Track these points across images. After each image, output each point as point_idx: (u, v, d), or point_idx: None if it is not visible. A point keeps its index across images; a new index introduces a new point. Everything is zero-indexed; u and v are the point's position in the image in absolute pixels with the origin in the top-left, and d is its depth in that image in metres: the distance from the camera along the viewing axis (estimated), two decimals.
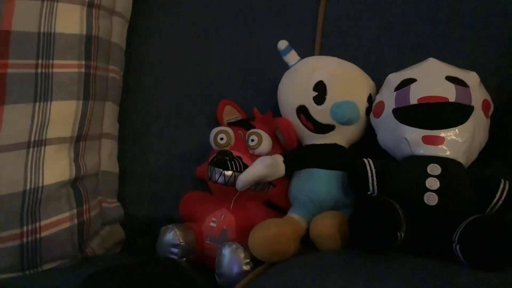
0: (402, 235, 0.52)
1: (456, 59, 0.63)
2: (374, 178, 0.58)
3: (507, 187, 0.55)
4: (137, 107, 0.82)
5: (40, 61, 0.65)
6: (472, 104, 0.58)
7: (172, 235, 0.62)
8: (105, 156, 0.74)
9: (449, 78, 0.59)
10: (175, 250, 0.61)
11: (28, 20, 0.65)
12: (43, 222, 0.61)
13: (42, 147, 0.62)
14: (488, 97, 0.61)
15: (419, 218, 0.54)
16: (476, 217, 0.52)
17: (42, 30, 0.65)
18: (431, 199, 0.54)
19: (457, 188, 0.54)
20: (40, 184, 0.61)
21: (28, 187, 0.60)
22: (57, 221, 0.62)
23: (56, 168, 0.63)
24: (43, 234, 0.60)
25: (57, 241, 0.61)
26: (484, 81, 0.61)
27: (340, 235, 0.58)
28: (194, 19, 0.84)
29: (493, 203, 0.54)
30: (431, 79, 0.60)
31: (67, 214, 0.63)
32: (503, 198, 0.54)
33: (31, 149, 0.62)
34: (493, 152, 0.61)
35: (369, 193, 0.59)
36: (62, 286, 0.54)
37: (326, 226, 0.59)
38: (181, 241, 0.61)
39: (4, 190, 0.59)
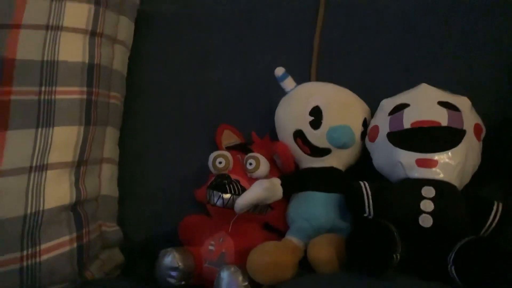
0: (398, 256, 0.52)
1: (448, 81, 0.64)
2: (370, 200, 0.59)
3: (500, 209, 0.55)
4: (137, 130, 0.83)
5: (43, 88, 0.65)
6: (464, 128, 0.59)
7: (171, 259, 0.62)
8: (105, 180, 0.74)
9: (441, 103, 0.60)
10: (174, 273, 0.61)
11: (32, 48, 0.66)
12: (43, 246, 0.61)
13: (44, 172, 0.63)
14: (480, 121, 0.62)
15: (414, 240, 0.54)
16: (470, 238, 0.52)
17: (45, 58, 0.66)
18: (426, 221, 0.54)
19: (452, 210, 0.55)
20: (41, 208, 0.61)
21: (29, 211, 0.60)
22: (57, 245, 0.62)
23: (57, 192, 0.64)
24: (43, 257, 0.60)
25: (57, 264, 0.61)
26: (475, 104, 0.62)
27: (337, 258, 0.58)
28: (193, 44, 0.85)
29: (487, 225, 0.55)
30: (424, 104, 0.61)
31: (67, 238, 0.63)
32: (496, 220, 0.55)
33: (32, 174, 0.62)
34: (486, 175, 0.61)
35: (365, 215, 0.59)
36: None
37: (324, 249, 0.59)
38: (180, 264, 0.61)
39: (5, 214, 0.60)
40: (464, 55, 0.72)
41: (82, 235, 0.65)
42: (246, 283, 0.57)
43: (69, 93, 0.68)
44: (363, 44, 0.78)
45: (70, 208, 0.65)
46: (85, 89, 0.69)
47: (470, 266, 0.50)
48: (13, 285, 0.58)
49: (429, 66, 0.74)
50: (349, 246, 0.55)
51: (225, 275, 0.58)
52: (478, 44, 0.72)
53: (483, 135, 0.62)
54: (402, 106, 0.62)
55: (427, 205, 0.55)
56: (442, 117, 0.59)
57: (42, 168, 0.63)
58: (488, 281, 0.49)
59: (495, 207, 0.56)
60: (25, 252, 0.59)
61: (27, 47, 0.66)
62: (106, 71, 0.74)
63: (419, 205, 0.55)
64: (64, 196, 0.64)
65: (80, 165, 0.68)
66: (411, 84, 0.65)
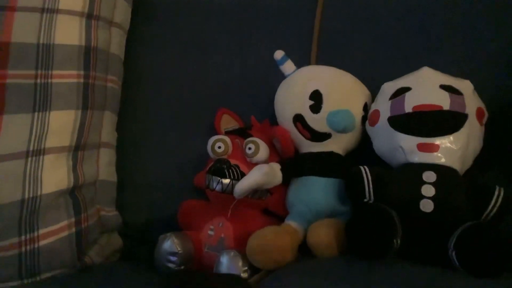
0: (399, 242, 0.52)
1: (448, 69, 0.64)
2: (370, 185, 0.59)
3: (501, 194, 0.55)
4: (136, 117, 0.83)
5: (39, 72, 0.65)
6: (466, 112, 0.58)
7: (170, 243, 0.62)
8: (104, 165, 0.74)
9: (443, 87, 0.60)
10: (173, 258, 0.61)
11: (28, 31, 0.65)
12: (41, 231, 0.60)
13: (41, 157, 0.62)
14: (482, 105, 0.61)
15: (415, 225, 0.54)
16: (471, 223, 0.52)
17: (41, 41, 0.65)
18: (426, 206, 0.54)
19: (452, 195, 0.55)
20: (39, 193, 0.61)
21: (26, 196, 0.60)
22: (55, 230, 0.62)
23: (54, 177, 0.63)
24: (42, 243, 0.60)
25: (56, 250, 0.61)
26: (477, 89, 0.61)
27: (337, 243, 0.58)
28: (192, 30, 0.85)
29: (488, 210, 0.55)
30: (426, 87, 0.61)
31: (65, 223, 0.63)
32: (497, 205, 0.55)
33: (29, 159, 0.62)
34: (487, 159, 0.61)
35: (365, 200, 0.59)
36: None
37: (323, 234, 0.59)
38: (179, 249, 0.61)
39: (2, 200, 0.59)
40: (466, 40, 0.71)
41: (80, 220, 0.65)
42: (246, 268, 0.57)
43: (66, 76, 0.67)
44: (364, 30, 0.77)
45: (68, 193, 0.65)
46: (82, 72, 0.68)
47: (471, 252, 0.50)
48: (12, 270, 0.58)
49: (430, 51, 0.73)
50: (349, 231, 0.55)
51: (224, 259, 0.58)
52: (480, 29, 0.71)
53: (485, 119, 0.61)
54: (404, 90, 0.61)
55: (428, 190, 0.54)
56: (444, 101, 0.58)
57: (39, 152, 0.63)
58: (489, 266, 0.49)
59: (496, 193, 0.55)
60: (23, 238, 0.59)
61: (22, 30, 0.65)
62: (103, 54, 0.73)
63: (420, 190, 0.55)
64: (62, 180, 0.64)
65: (78, 149, 0.67)
66: (412, 69, 0.64)
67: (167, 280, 0.25)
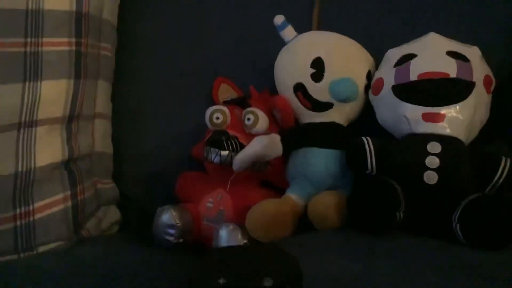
0: (401, 215, 0.51)
1: (456, 34, 0.62)
2: (373, 157, 0.57)
3: (508, 165, 0.54)
4: (131, 86, 0.81)
5: (28, 40, 0.63)
6: (474, 79, 0.57)
7: (168, 216, 0.61)
8: (99, 137, 0.72)
9: (450, 53, 0.58)
10: (171, 231, 0.61)
11: None
12: (36, 205, 0.60)
13: (33, 128, 0.61)
14: (490, 73, 0.60)
15: (418, 197, 0.53)
16: (476, 196, 0.51)
17: (30, 7, 0.63)
18: (430, 177, 0.53)
19: (457, 167, 0.54)
20: (32, 166, 0.60)
21: (20, 169, 0.59)
22: (50, 203, 0.61)
23: (48, 149, 0.62)
24: (37, 216, 0.60)
25: (52, 223, 0.60)
26: (485, 56, 0.60)
27: (338, 215, 0.57)
28: None
29: (493, 182, 0.54)
30: (432, 54, 0.59)
31: (61, 196, 0.62)
32: (504, 176, 0.54)
33: (22, 130, 0.60)
34: (494, 129, 0.60)
35: (367, 172, 0.58)
36: (58, 267, 0.54)
37: (324, 206, 0.58)
38: (177, 222, 0.61)
39: None
40: (475, 5, 0.69)
41: (76, 193, 0.64)
42: (245, 241, 0.56)
43: (57, 44, 0.65)
44: None
45: (63, 165, 0.64)
46: (73, 40, 0.66)
47: (475, 225, 0.49)
48: (7, 244, 0.58)
49: (437, 14, 0.71)
50: (351, 204, 0.55)
51: (224, 232, 0.57)
52: None
53: (492, 87, 0.60)
54: (409, 57, 0.60)
55: (432, 161, 0.53)
56: (450, 68, 0.57)
57: (32, 124, 0.61)
58: (493, 239, 0.48)
59: (502, 163, 0.54)
60: (18, 211, 0.59)
61: None
62: (96, 21, 0.70)
63: (424, 162, 0.53)
64: (56, 153, 0.63)
65: (72, 121, 0.66)
66: (418, 35, 0.63)
67: (209, 260, 0.24)
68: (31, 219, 0.59)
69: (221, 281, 0.23)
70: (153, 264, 0.55)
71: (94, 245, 0.63)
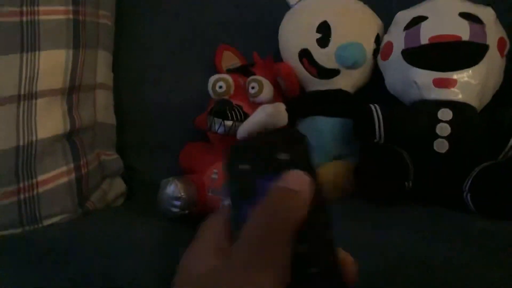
0: (410, 184, 0.50)
1: None
2: (381, 125, 0.56)
3: None
4: (132, 55, 0.79)
5: (24, 8, 0.61)
6: (487, 42, 0.55)
7: (173, 188, 0.60)
8: (101, 107, 0.71)
9: (463, 15, 0.56)
10: (176, 202, 0.60)
11: None
12: (39, 178, 0.59)
13: (33, 100, 0.60)
14: (504, 35, 0.58)
15: (428, 166, 0.52)
16: (487, 164, 0.50)
17: None
18: (441, 146, 0.52)
19: (469, 134, 0.52)
20: (34, 139, 0.59)
21: (21, 143, 0.58)
22: (54, 176, 0.60)
23: (49, 121, 0.61)
24: (41, 189, 0.59)
25: (56, 196, 0.60)
26: (500, 17, 0.58)
27: (346, 184, 0.57)
28: None
29: (506, 149, 0.52)
30: (444, 16, 0.57)
31: (64, 169, 0.62)
32: None
33: (21, 103, 0.59)
34: (508, 94, 0.58)
35: (375, 140, 0.57)
36: (63, 240, 0.54)
37: (331, 174, 0.58)
38: (182, 193, 0.60)
39: None
40: None
41: (80, 165, 0.64)
42: None
43: (54, 13, 0.63)
44: None
45: (65, 137, 0.63)
46: (70, 8, 0.64)
47: (486, 194, 0.48)
48: (12, 218, 0.58)
49: None
50: (359, 173, 0.54)
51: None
52: None
53: (507, 50, 0.58)
54: (419, 19, 0.58)
55: (443, 129, 0.52)
56: (463, 31, 0.55)
57: (31, 96, 0.60)
58: (506, 208, 0.47)
59: None
60: (21, 185, 0.58)
61: None
62: None
63: (434, 129, 0.52)
64: (58, 125, 0.62)
65: (72, 92, 0.65)
66: None
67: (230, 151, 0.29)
68: (35, 192, 0.59)
69: (244, 167, 0.27)
70: (158, 236, 0.55)
71: (99, 218, 0.63)
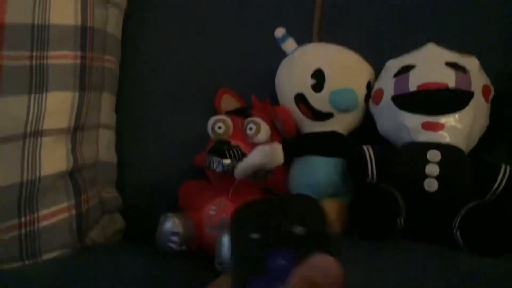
0: (402, 222, 0.51)
1: (455, 44, 0.62)
2: (374, 164, 0.58)
3: (507, 173, 0.54)
4: (135, 96, 0.81)
5: (34, 53, 0.63)
6: (472, 89, 0.57)
7: (171, 224, 0.61)
8: (103, 146, 0.73)
9: (449, 64, 0.58)
10: (174, 238, 0.61)
11: (22, 12, 0.63)
12: (41, 213, 0.60)
13: (39, 138, 0.62)
14: (488, 82, 0.60)
15: (419, 205, 0.54)
16: (476, 203, 0.52)
17: (36, 22, 0.64)
18: (431, 185, 0.53)
19: (457, 174, 0.54)
20: (37, 175, 0.60)
21: (25, 179, 0.60)
22: (55, 212, 0.61)
23: (53, 158, 0.62)
24: (42, 224, 0.60)
25: (56, 231, 0.61)
26: (484, 65, 0.60)
27: (339, 223, 0.57)
28: (191, 7, 0.83)
29: (493, 189, 0.54)
30: (431, 65, 0.59)
31: (65, 205, 0.62)
32: (503, 184, 0.54)
33: (27, 140, 0.61)
34: (493, 137, 0.60)
35: (368, 180, 0.58)
36: (62, 275, 0.54)
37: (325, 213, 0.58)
38: (180, 229, 0.61)
39: (1, 182, 0.59)
40: (472, 15, 0.70)
41: (80, 202, 0.64)
42: None
43: (62, 57, 0.66)
44: (367, 5, 0.75)
45: (67, 175, 0.64)
46: (78, 53, 0.67)
47: (475, 231, 0.49)
48: (12, 252, 0.58)
49: (435, 26, 0.72)
50: (352, 211, 0.55)
51: (226, 240, 0.57)
52: (488, 4, 0.70)
53: (491, 96, 0.60)
54: (408, 68, 0.60)
55: (432, 169, 0.54)
56: (449, 79, 0.57)
57: (37, 134, 0.62)
58: (493, 245, 0.48)
59: (502, 171, 0.55)
60: (23, 219, 0.59)
61: (16, 10, 0.63)
62: (100, 34, 0.71)
63: (424, 169, 0.54)
64: (61, 162, 0.63)
65: (76, 131, 0.67)
66: (417, 45, 0.63)
67: (240, 215, 0.25)
68: (36, 227, 0.59)
69: (254, 236, 0.24)
70: (156, 272, 0.55)
71: (98, 253, 0.63)
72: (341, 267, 0.22)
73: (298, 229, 0.24)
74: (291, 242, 0.23)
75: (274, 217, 0.24)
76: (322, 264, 0.21)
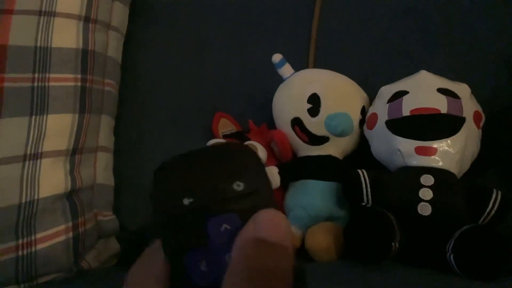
0: (397, 245, 0.52)
1: (446, 71, 0.64)
2: (368, 189, 0.59)
3: (499, 197, 0.55)
4: (133, 119, 0.82)
5: (36, 75, 0.64)
6: (464, 115, 0.58)
7: None
8: (101, 169, 0.73)
9: (441, 90, 0.60)
10: None
11: (25, 34, 0.65)
12: (38, 235, 0.60)
13: (38, 160, 0.62)
14: (479, 109, 0.61)
15: (413, 228, 0.54)
16: (469, 226, 0.52)
17: (38, 44, 0.65)
18: (424, 209, 0.54)
19: (450, 198, 0.55)
20: (36, 197, 0.61)
21: (23, 200, 0.60)
22: (52, 234, 0.61)
23: (52, 180, 0.63)
24: (39, 247, 0.60)
25: (53, 254, 0.60)
26: (475, 91, 0.62)
27: (335, 247, 0.58)
28: (189, 32, 0.84)
29: (486, 213, 0.55)
30: (423, 91, 0.61)
31: (62, 227, 0.62)
32: (495, 208, 0.55)
33: (27, 162, 0.61)
34: (485, 162, 0.61)
35: (363, 203, 0.59)
36: None
37: (322, 238, 0.59)
38: None
39: None
40: (463, 43, 0.72)
41: (77, 224, 0.64)
42: None
43: (63, 80, 0.66)
44: (361, 32, 0.77)
45: (65, 197, 0.64)
46: (79, 76, 0.68)
47: (468, 255, 0.50)
48: (9, 274, 0.58)
49: (427, 54, 0.73)
50: (347, 235, 0.55)
51: None
52: (479, 30, 0.71)
53: (482, 122, 0.61)
54: (401, 93, 0.61)
55: (426, 194, 0.55)
56: (441, 105, 0.58)
57: (37, 156, 0.62)
58: (486, 269, 0.49)
59: (494, 195, 0.55)
60: (20, 242, 0.59)
61: (20, 33, 0.65)
62: (101, 58, 0.73)
63: (418, 193, 0.55)
64: (59, 184, 0.64)
65: (75, 153, 0.67)
66: (409, 72, 0.64)
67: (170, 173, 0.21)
68: (33, 249, 0.59)
69: (186, 201, 0.20)
70: None
71: (93, 277, 0.63)
72: (287, 220, 0.19)
73: (239, 186, 0.20)
74: (233, 201, 0.20)
75: (207, 174, 0.20)
76: (267, 219, 0.19)
